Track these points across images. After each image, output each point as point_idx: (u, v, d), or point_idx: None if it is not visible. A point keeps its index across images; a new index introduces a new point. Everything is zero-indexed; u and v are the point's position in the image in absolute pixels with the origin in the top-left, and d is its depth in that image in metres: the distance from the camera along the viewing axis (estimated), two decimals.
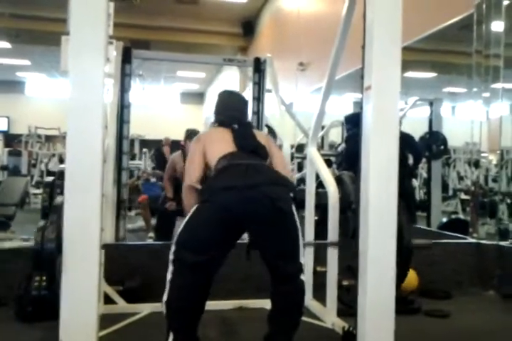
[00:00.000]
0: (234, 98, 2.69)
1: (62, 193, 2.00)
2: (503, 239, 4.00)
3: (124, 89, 4.33)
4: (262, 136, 2.55)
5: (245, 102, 2.73)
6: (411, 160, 5.27)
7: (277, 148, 2.65)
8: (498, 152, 4.36)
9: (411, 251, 2.35)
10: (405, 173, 5.26)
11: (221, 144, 2.36)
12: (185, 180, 2.38)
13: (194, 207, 2.17)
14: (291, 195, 2.22)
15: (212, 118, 2.66)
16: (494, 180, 4.20)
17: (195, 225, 2.11)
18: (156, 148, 9.76)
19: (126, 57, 4.31)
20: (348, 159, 4.46)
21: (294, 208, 2.19)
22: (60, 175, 2.11)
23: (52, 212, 2.13)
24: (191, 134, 4.49)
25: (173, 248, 2.11)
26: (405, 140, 5.12)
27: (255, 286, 3.15)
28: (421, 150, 5.34)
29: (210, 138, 2.45)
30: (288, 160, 4.41)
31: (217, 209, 2.08)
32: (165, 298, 2.08)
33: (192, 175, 2.35)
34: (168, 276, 2.10)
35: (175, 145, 6.84)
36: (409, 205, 5.40)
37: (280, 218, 2.12)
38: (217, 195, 2.11)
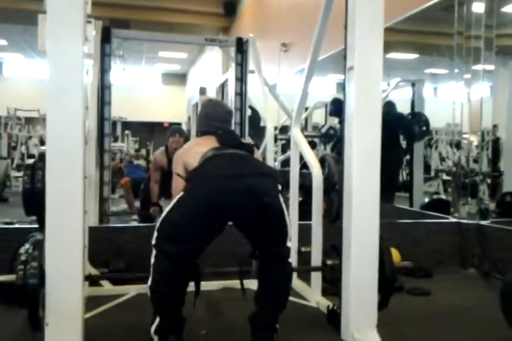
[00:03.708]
0: (219, 108, 2.57)
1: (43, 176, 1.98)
2: (483, 218, 4.07)
3: (104, 69, 4.27)
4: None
5: (230, 113, 2.62)
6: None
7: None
8: (479, 133, 4.40)
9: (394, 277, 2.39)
10: (399, 154, 5.31)
11: (203, 147, 2.27)
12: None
13: (178, 195, 2.14)
14: (279, 186, 2.18)
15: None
16: (475, 161, 4.25)
17: (178, 215, 2.08)
18: None
19: (105, 37, 4.24)
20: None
21: (281, 200, 2.16)
22: (41, 158, 2.05)
23: (36, 248, 2.07)
24: (174, 132, 4.48)
25: (155, 234, 2.09)
26: (399, 121, 5.14)
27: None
28: (415, 132, 5.37)
29: (189, 153, 2.34)
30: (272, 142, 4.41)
31: (200, 199, 2.05)
32: (149, 282, 2.08)
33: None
34: (152, 260, 2.09)
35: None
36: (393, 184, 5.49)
37: (266, 212, 2.09)
38: (200, 185, 2.08)
